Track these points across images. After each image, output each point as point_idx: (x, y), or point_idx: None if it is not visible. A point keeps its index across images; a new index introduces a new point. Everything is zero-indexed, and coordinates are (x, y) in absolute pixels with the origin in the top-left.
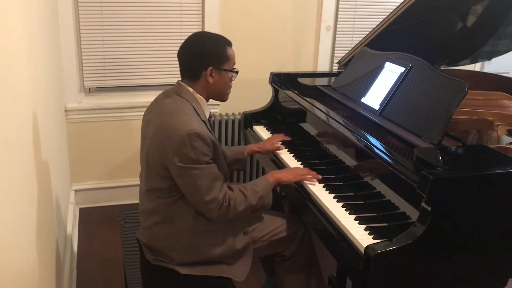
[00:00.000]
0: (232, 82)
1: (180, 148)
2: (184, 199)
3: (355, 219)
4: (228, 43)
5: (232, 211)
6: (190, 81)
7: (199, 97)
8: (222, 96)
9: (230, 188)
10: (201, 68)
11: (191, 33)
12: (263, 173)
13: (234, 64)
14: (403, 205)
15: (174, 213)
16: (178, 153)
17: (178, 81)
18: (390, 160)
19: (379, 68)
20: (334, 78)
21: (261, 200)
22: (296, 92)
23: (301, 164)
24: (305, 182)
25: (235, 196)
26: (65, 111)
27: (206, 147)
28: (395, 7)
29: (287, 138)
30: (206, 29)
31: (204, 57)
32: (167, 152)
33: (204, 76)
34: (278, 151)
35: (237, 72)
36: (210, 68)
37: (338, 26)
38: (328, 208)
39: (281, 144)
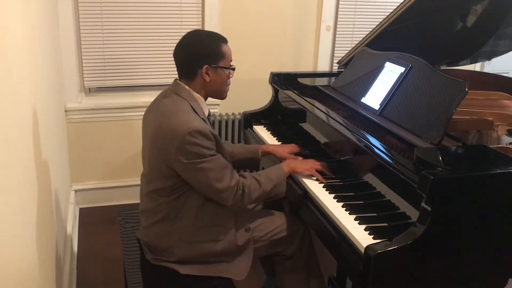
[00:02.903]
0: (230, 79)
1: (183, 146)
2: (186, 195)
3: (355, 219)
4: (223, 40)
5: (247, 198)
6: (187, 80)
7: (197, 95)
8: (220, 94)
9: (243, 176)
10: (197, 67)
11: None
12: None
13: (231, 60)
14: (403, 205)
15: (176, 210)
16: (182, 152)
17: (175, 80)
18: (390, 160)
19: (379, 68)
20: (334, 78)
21: (275, 188)
22: (296, 92)
23: None
24: (304, 180)
25: (249, 183)
26: (65, 111)
27: (208, 141)
28: (395, 7)
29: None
30: (206, 29)
31: (199, 56)
32: (170, 151)
33: (200, 75)
34: None
35: (233, 69)
36: (205, 66)
37: (338, 26)
38: (328, 208)
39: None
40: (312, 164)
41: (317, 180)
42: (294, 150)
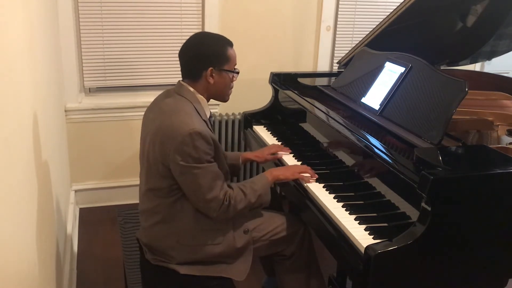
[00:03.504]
0: (234, 82)
1: (182, 147)
2: (184, 198)
3: (355, 219)
4: (229, 43)
5: (232, 210)
6: (191, 81)
7: (200, 97)
8: (223, 96)
9: (230, 187)
10: (202, 69)
11: (191, 33)
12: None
13: (235, 64)
14: (403, 205)
15: (175, 213)
16: (180, 152)
17: (179, 81)
18: (390, 160)
19: (379, 68)
20: (334, 78)
21: (260, 198)
22: (296, 92)
23: (301, 164)
24: (304, 181)
25: (235, 194)
26: (65, 111)
27: (207, 146)
28: (395, 7)
29: (287, 151)
30: (206, 29)
31: (204, 58)
32: (169, 151)
33: (205, 77)
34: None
35: (238, 73)
36: (210, 68)
37: (338, 26)
38: (328, 208)
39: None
40: (295, 169)
41: (316, 180)
42: (273, 150)
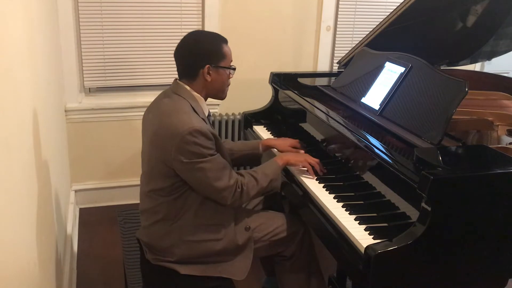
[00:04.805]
0: (230, 79)
1: (183, 146)
2: (185, 195)
3: (355, 219)
4: (223, 40)
5: (245, 196)
6: (188, 80)
7: (197, 95)
8: (220, 93)
9: (240, 174)
10: (198, 67)
11: None
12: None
13: (231, 61)
14: (403, 205)
15: (176, 210)
16: (182, 151)
17: (175, 80)
18: (390, 160)
19: (379, 68)
20: (334, 78)
21: (271, 183)
22: (296, 92)
23: None
24: (304, 181)
25: (247, 181)
26: (65, 111)
27: (208, 141)
28: (395, 7)
29: (301, 150)
30: (206, 29)
31: (201, 56)
32: (170, 151)
33: (202, 75)
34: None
35: (234, 69)
36: (207, 66)
37: (338, 26)
38: (328, 208)
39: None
40: (306, 157)
41: (317, 180)
42: (294, 145)
